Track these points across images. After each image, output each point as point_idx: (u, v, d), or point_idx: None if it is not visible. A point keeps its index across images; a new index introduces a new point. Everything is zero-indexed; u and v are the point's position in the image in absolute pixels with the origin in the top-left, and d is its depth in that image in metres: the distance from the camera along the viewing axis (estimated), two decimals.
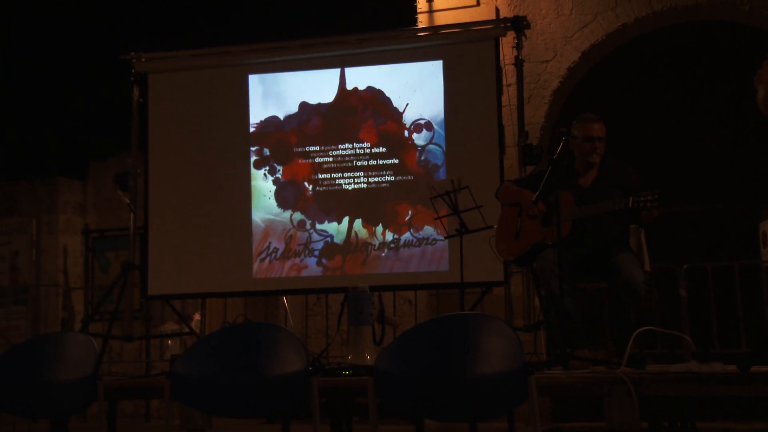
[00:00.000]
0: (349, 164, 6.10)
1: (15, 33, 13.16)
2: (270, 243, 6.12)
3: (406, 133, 6.04)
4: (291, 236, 6.10)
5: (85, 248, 9.02)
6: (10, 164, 12.19)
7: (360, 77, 6.15)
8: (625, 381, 3.46)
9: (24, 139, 12.77)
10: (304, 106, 6.22)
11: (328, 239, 6.06)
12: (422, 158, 6.00)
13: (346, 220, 6.05)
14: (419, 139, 6.02)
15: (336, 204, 6.09)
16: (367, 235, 6.01)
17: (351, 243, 6.02)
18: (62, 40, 13.08)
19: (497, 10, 6.67)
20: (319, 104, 6.20)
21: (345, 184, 6.09)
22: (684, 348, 5.27)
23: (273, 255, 6.11)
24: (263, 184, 6.21)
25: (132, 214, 6.25)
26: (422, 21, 7.50)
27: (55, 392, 3.77)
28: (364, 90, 6.14)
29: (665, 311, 4.72)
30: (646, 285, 4.37)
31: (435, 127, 5.99)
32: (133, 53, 6.37)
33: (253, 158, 6.24)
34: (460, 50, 6.04)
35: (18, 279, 8.81)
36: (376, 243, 5.98)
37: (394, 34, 6.31)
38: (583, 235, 4.55)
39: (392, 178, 6.03)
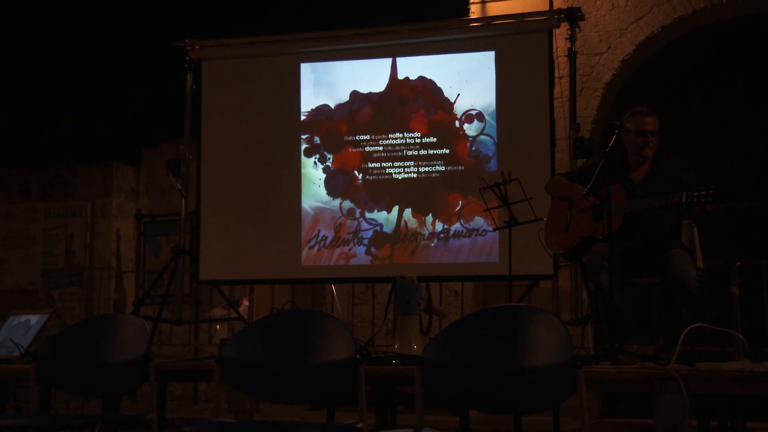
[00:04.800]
0: (400, 153, 6.10)
1: (72, 21, 13.39)
2: (319, 231, 6.16)
3: (457, 123, 6.03)
4: (340, 224, 6.13)
5: (137, 232, 9.19)
6: (66, 149, 12.44)
7: (411, 67, 6.15)
8: (676, 378, 3.41)
9: (80, 125, 13.01)
10: (355, 94, 6.24)
11: (378, 228, 6.07)
12: (473, 149, 5.98)
13: (395, 209, 6.07)
14: (470, 129, 6.00)
15: (386, 193, 6.10)
16: (416, 225, 6.01)
17: (400, 232, 6.03)
18: (118, 27, 13.29)
19: (551, 1, 6.60)
20: (370, 93, 6.21)
21: (395, 173, 6.10)
22: (736, 346, 5.19)
23: (322, 243, 6.15)
24: (313, 172, 6.24)
25: (183, 200, 6.33)
26: (475, 11, 7.47)
27: (108, 372, 3.83)
28: (416, 80, 6.13)
29: (717, 308, 4.65)
30: (698, 281, 4.30)
31: (486, 117, 5.97)
32: (187, 41, 6.44)
33: (304, 146, 6.28)
34: (512, 41, 6.00)
35: (73, 261, 9.00)
36: (426, 233, 5.98)
37: (447, 24, 6.29)
38: (634, 230, 4.50)
39: (443, 168, 6.02)
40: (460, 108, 6.03)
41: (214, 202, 6.35)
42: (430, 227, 5.98)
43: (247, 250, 6.24)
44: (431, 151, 6.05)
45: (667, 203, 4.31)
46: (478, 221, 5.86)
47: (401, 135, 6.12)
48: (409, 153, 6.08)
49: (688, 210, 4.35)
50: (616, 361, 3.91)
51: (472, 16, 7.35)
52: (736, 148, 8.73)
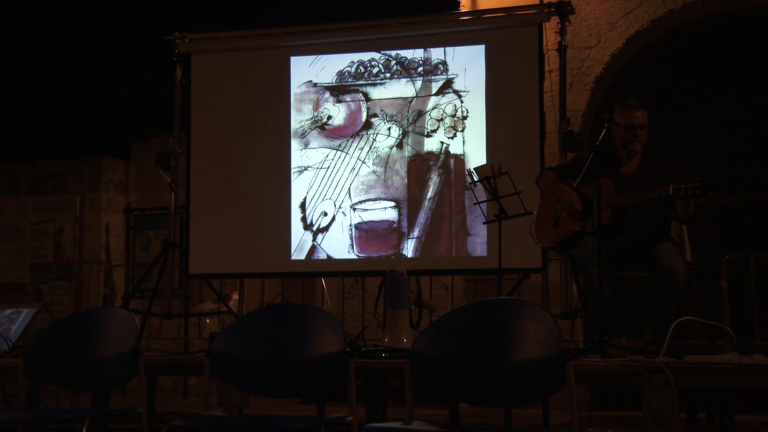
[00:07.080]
0: None
1: (61, 14, 13.33)
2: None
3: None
4: (332, 218, 6.12)
5: (126, 226, 9.16)
6: (56, 143, 12.38)
7: None
8: (665, 371, 3.43)
9: (70, 119, 12.95)
10: None
11: (368, 221, 6.06)
12: (463, 142, 5.98)
13: (385, 202, 6.05)
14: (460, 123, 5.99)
15: (376, 186, 6.09)
16: (406, 218, 6.00)
17: (391, 226, 6.03)
18: (107, 20, 13.23)
19: None
20: None
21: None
22: (724, 339, 5.21)
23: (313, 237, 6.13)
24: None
25: (173, 194, 6.31)
26: (465, 5, 7.47)
27: (98, 366, 3.83)
28: None
29: (706, 302, 4.67)
30: (686, 275, 4.32)
31: (476, 111, 5.95)
32: (176, 34, 6.41)
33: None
34: (503, 35, 5.99)
35: (62, 255, 8.97)
36: (417, 226, 5.98)
37: (437, 18, 6.28)
38: (623, 224, 4.51)
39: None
40: None
41: (203, 196, 6.33)
42: (421, 220, 5.97)
43: (237, 244, 6.22)
44: None
45: (654, 196, 4.32)
46: (468, 215, 5.86)
47: None
48: None
49: (674, 208, 4.37)
50: (606, 355, 3.92)
51: (462, 10, 7.35)
52: (727, 142, 8.76)
